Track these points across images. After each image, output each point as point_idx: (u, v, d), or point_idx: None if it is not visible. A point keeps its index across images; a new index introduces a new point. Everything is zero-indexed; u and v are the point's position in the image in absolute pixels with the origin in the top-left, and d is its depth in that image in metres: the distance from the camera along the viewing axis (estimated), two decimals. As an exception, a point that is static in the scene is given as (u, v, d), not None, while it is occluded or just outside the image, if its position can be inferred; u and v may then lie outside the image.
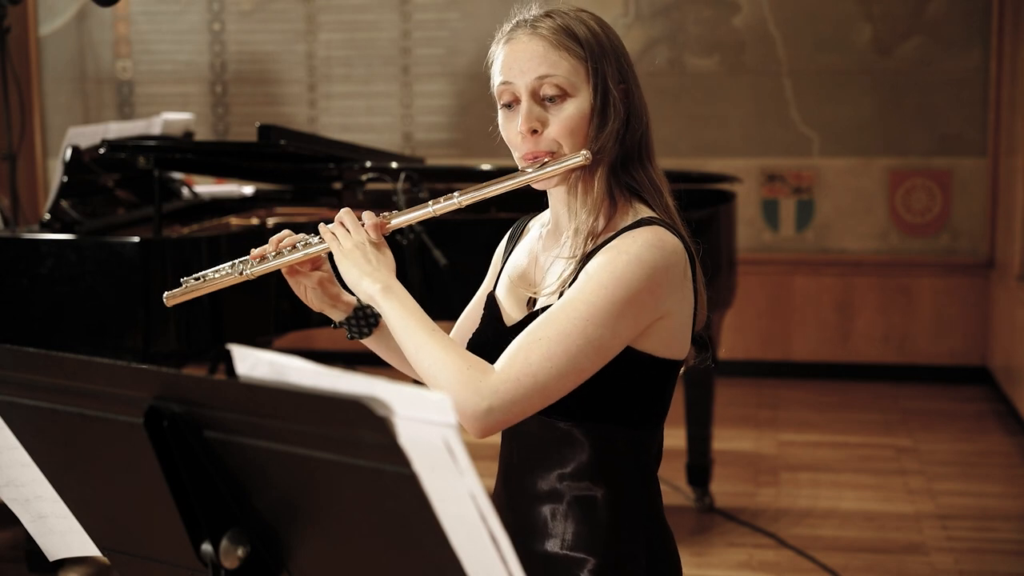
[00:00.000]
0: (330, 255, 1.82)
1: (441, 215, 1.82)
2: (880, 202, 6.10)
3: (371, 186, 4.09)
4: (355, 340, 1.95)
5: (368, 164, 4.09)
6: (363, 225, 1.79)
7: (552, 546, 1.78)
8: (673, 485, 4.53)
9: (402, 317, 1.71)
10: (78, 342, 3.56)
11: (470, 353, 1.69)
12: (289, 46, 6.46)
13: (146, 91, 6.59)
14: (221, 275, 1.90)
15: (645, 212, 1.78)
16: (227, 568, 1.30)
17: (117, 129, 4.39)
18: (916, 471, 4.81)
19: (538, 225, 1.95)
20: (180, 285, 1.92)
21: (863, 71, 6.02)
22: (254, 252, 1.88)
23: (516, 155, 1.81)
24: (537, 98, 1.76)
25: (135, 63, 6.58)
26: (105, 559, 1.56)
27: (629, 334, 1.69)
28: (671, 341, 1.75)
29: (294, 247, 1.85)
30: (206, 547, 1.30)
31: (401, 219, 1.82)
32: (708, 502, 4.42)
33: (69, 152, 3.98)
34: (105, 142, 3.91)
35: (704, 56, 6.12)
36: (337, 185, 4.28)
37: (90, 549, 1.53)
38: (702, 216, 4.11)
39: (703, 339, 1.84)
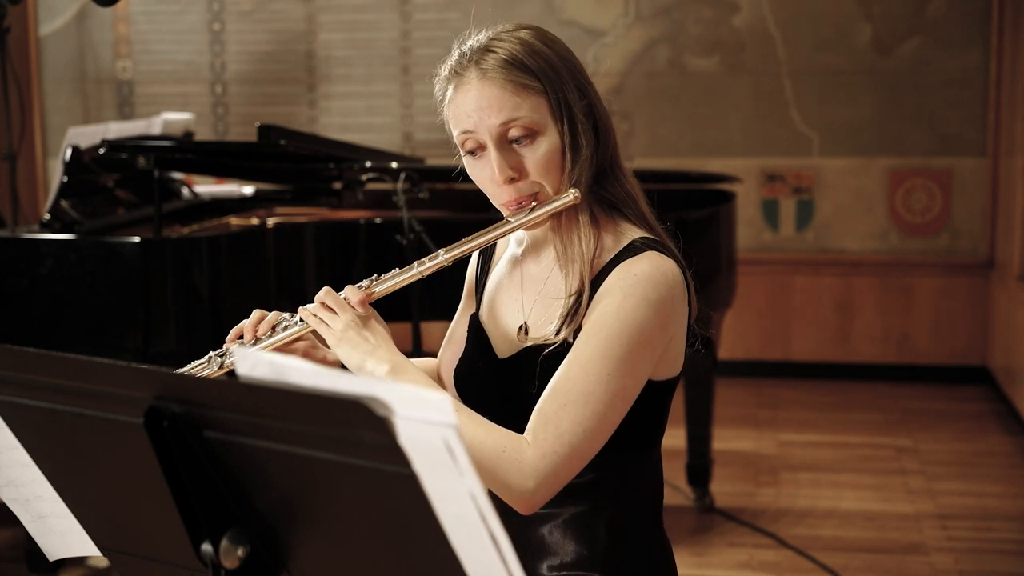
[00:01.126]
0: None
1: (428, 274, 1.74)
2: (880, 202, 6.10)
3: (371, 186, 4.10)
4: None
5: (368, 164, 4.09)
6: (346, 300, 1.70)
7: (550, 564, 1.75)
8: (673, 485, 4.52)
9: None
10: (78, 342, 3.56)
11: (497, 428, 1.63)
12: (289, 46, 6.46)
13: (146, 91, 6.60)
14: (199, 369, 1.78)
15: (629, 229, 1.74)
16: (227, 568, 1.30)
17: (117, 129, 4.39)
18: (916, 471, 4.81)
19: (514, 239, 1.88)
20: None
21: (863, 71, 6.02)
22: (231, 337, 1.78)
23: (495, 202, 1.75)
24: (504, 143, 1.69)
25: (135, 63, 6.58)
26: (105, 559, 1.56)
27: (647, 373, 1.68)
28: (671, 362, 1.73)
29: (273, 329, 1.75)
30: (206, 547, 1.30)
31: (385, 287, 1.73)
32: (708, 502, 4.42)
33: (69, 152, 3.98)
34: (105, 142, 3.91)
35: (704, 56, 6.12)
36: (337, 185, 4.28)
37: (90, 549, 1.53)
38: (702, 216, 4.11)
39: (694, 329, 1.79)
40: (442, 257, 1.74)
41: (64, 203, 3.90)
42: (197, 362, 1.79)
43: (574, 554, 1.74)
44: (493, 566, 1.13)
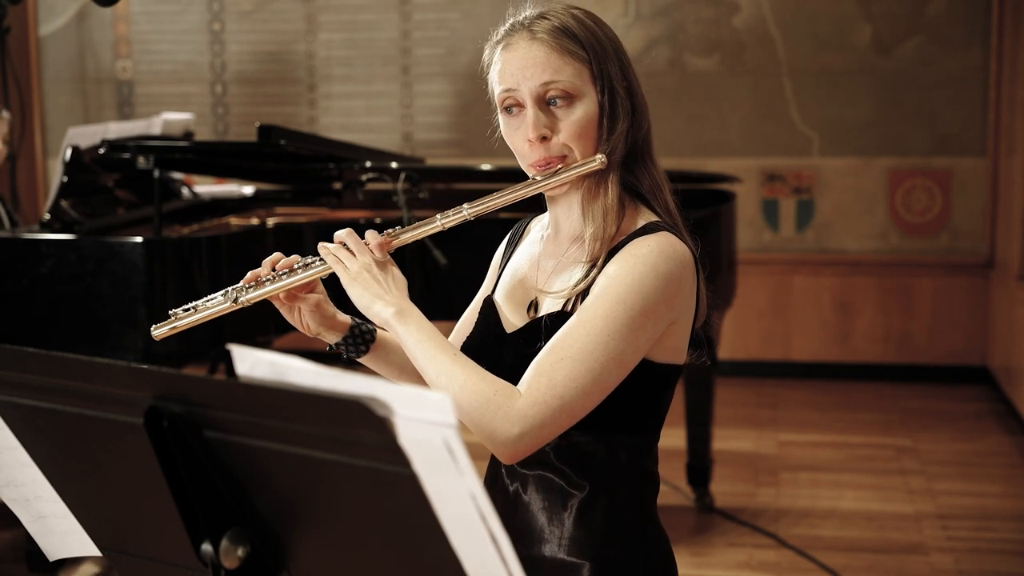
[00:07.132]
0: (333, 276, 1.74)
1: (449, 227, 1.76)
2: (880, 202, 6.10)
3: (371, 186, 4.10)
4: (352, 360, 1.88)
5: (368, 164, 4.09)
6: (367, 244, 1.73)
7: (548, 551, 1.75)
8: (673, 485, 4.52)
9: (419, 342, 1.66)
10: (78, 342, 3.56)
11: (492, 376, 1.64)
12: (289, 46, 6.46)
13: (146, 91, 6.59)
14: (213, 304, 1.79)
15: (649, 216, 1.76)
16: (227, 568, 1.30)
17: (117, 129, 4.39)
18: (916, 471, 4.81)
19: (538, 227, 1.91)
20: (168, 317, 1.82)
21: (863, 71, 6.02)
22: (248, 276, 1.79)
23: (523, 163, 1.77)
24: (542, 103, 1.73)
25: (135, 63, 6.58)
26: (105, 559, 1.56)
27: (647, 346, 1.68)
28: (673, 347, 1.73)
29: (291, 270, 1.77)
30: (206, 547, 1.30)
31: (408, 235, 1.76)
32: (708, 502, 4.42)
33: (69, 152, 3.98)
34: (105, 142, 3.91)
35: (704, 56, 6.12)
36: (337, 185, 4.28)
37: (90, 549, 1.53)
38: (702, 216, 4.11)
39: (699, 336, 1.81)
40: (465, 211, 1.76)
41: (64, 203, 3.90)
42: (212, 295, 1.80)
43: (570, 540, 1.74)
44: (493, 566, 1.13)
